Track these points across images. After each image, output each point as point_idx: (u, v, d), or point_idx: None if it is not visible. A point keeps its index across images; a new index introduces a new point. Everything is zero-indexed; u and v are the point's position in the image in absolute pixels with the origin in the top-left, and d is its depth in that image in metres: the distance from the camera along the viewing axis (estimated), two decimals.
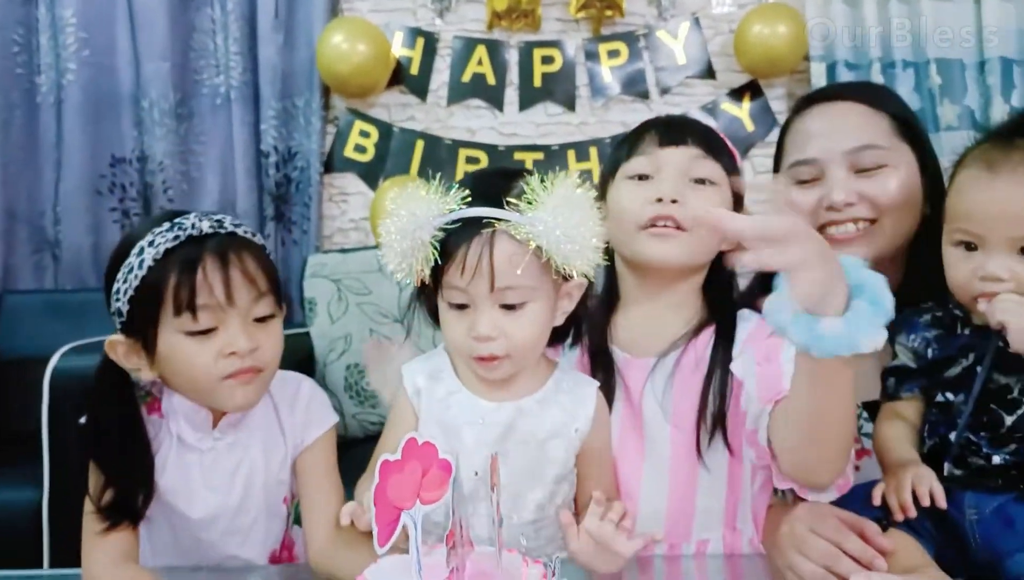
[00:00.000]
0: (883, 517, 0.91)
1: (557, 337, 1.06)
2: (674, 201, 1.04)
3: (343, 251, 2.55)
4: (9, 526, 1.80)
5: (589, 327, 1.12)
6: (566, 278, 0.97)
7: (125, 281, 0.98)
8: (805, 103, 1.26)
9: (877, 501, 0.92)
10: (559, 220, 0.91)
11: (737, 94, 2.79)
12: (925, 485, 0.90)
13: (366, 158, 2.80)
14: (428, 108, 2.81)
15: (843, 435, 0.90)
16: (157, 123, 2.70)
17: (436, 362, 1.06)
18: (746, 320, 1.09)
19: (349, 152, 2.80)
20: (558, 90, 2.80)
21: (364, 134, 2.81)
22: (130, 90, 2.71)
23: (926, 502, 0.89)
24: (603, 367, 1.10)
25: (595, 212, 0.95)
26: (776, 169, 1.28)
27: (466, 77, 2.80)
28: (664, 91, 2.80)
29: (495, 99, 2.81)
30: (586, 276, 0.96)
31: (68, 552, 1.77)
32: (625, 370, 1.10)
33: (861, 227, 1.19)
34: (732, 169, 1.09)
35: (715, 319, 1.10)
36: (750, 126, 2.78)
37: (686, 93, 2.81)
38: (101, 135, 2.73)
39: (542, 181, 0.94)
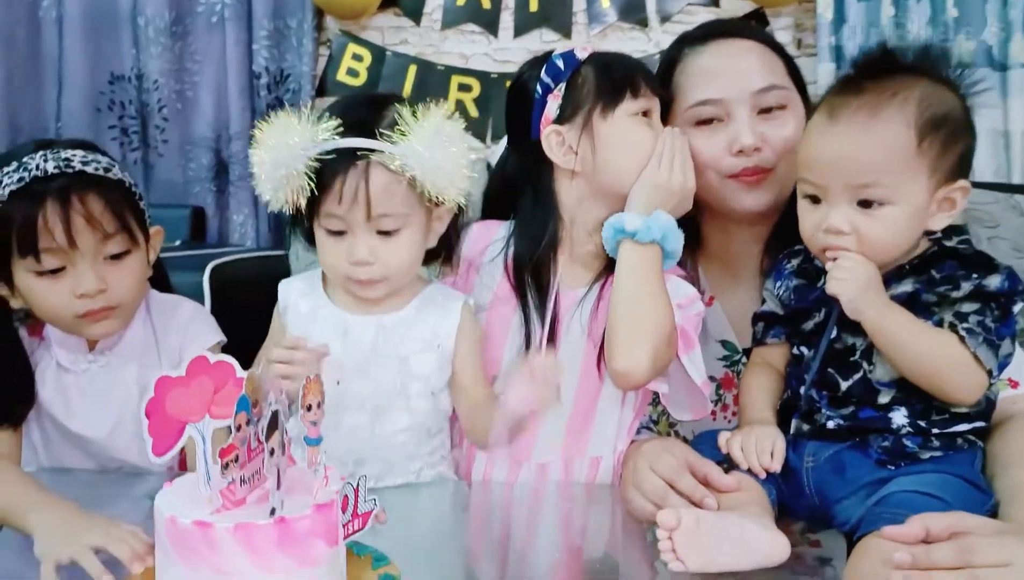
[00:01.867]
0: (726, 460, 0.92)
1: (429, 257, 1.09)
2: None
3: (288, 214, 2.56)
4: None
5: (535, 262, 1.11)
6: (438, 204, 1.01)
7: None
8: (696, 40, 1.17)
9: (724, 450, 0.92)
10: (431, 151, 0.95)
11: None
12: (763, 452, 0.89)
13: (358, 82, 2.79)
14: (422, 32, 2.77)
15: (647, 317, 1.01)
16: (152, 41, 2.72)
17: (310, 279, 1.11)
18: None
19: (342, 76, 2.79)
20: (554, 16, 2.73)
21: (357, 58, 2.79)
22: (128, 7, 2.73)
23: (757, 469, 0.89)
24: (539, 293, 1.10)
25: (464, 142, 0.98)
26: (665, 108, 1.16)
27: (461, 1, 2.75)
28: (665, 19, 2.70)
29: (490, 24, 2.75)
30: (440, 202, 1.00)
31: None
32: (559, 299, 1.11)
33: (760, 175, 1.11)
34: None
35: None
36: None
37: (687, 22, 2.69)
38: (100, 52, 2.76)
39: (413, 112, 0.96)
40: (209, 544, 0.67)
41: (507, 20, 2.73)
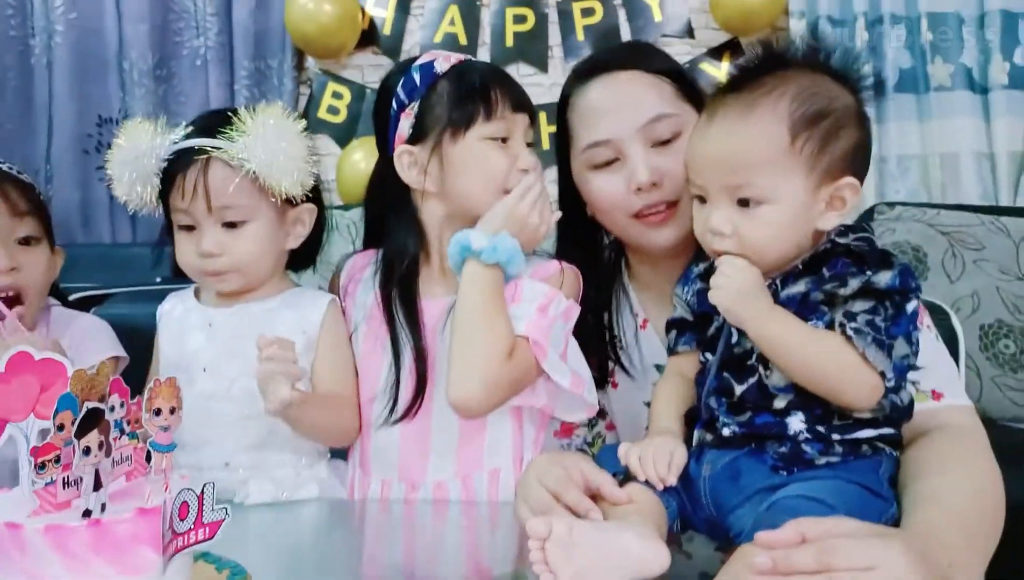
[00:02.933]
0: (624, 471, 0.87)
1: (298, 262, 1.14)
2: None
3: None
4: None
5: (400, 276, 1.11)
6: (293, 203, 1.06)
7: None
8: (583, 75, 1.10)
9: (623, 462, 0.87)
10: (267, 146, 1.01)
11: (716, 53, 2.68)
12: (661, 463, 0.84)
13: (339, 120, 2.82)
14: None
15: (480, 343, 0.99)
16: (137, 84, 2.78)
17: (183, 292, 1.17)
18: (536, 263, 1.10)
19: (322, 113, 2.83)
20: (530, 50, 2.75)
21: (337, 96, 2.82)
22: (115, 51, 2.80)
23: (655, 481, 0.84)
24: (405, 305, 1.09)
25: (300, 138, 1.04)
26: (562, 151, 1.13)
27: (438, 37, 2.78)
28: None
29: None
30: (316, 203, 1.10)
31: None
32: (428, 311, 1.09)
33: (663, 211, 1.06)
34: None
35: None
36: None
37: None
38: (88, 96, 2.83)
39: (250, 112, 1.03)
40: (20, 547, 0.63)
41: (484, 55, 2.75)
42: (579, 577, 0.75)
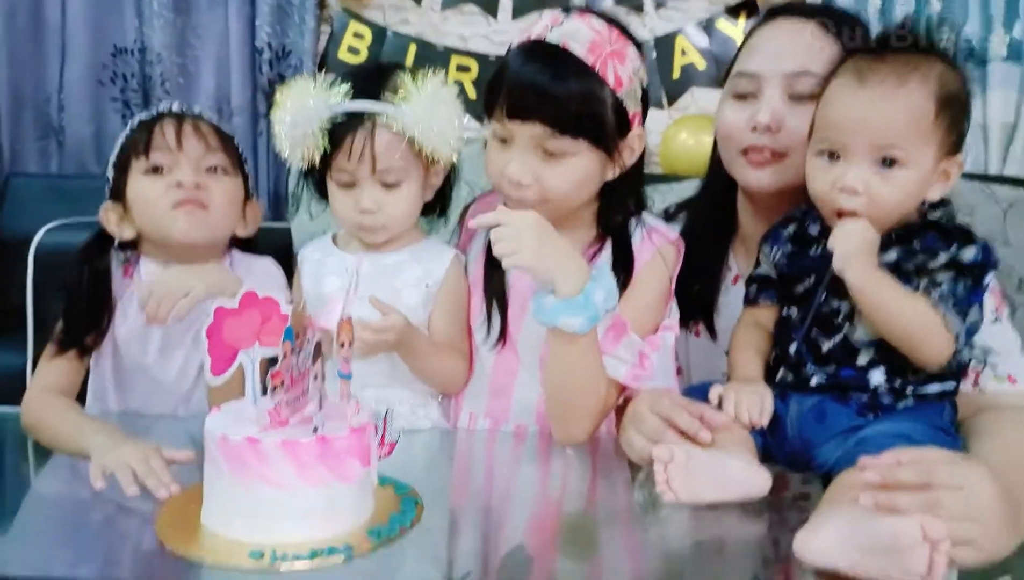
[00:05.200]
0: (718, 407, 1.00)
1: (426, 210, 1.22)
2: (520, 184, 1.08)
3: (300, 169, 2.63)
4: None
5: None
6: (434, 161, 1.14)
7: (113, 154, 1.25)
8: (769, 15, 1.21)
9: (714, 402, 0.99)
10: (428, 114, 1.08)
11: (734, 12, 2.76)
12: (753, 407, 0.97)
13: (359, 60, 2.84)
14: (422, 11, 2.83)
15: (582, 401, 1.07)
16: (156, 14, 2.75)
17: (322, 239, 1.25)
18: (640, 241, 1.15)
19: (343, 54, 2.84)
20: None
21: (358, 36, 2.84)
22: None
23: (746, 423, 0.96)
24: (497, 269, 1.15)
25: (458, 107, 1.11)
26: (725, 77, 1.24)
27: None
28: (659, 5, 2.78)
29: (489, 5, 2.81)
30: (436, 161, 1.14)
31: None
32: (514, 277, 1.17)
33: (768, 156, 1.16)
34: None
35: (607, 234, 1.16)
36: None
37: (681, 8, 2.79)
38: (103, 25, 2.79)
39: (413, 78, 1.09)
40: (259, 457, 0.74)
41: (506, 2, 2.80)
42: (695, 496, 0.89)
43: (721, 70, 3.02)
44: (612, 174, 1.11)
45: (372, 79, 1.13)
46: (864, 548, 0.73)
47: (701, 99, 2.77)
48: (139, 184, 1.20)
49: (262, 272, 1.28)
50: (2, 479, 1.12)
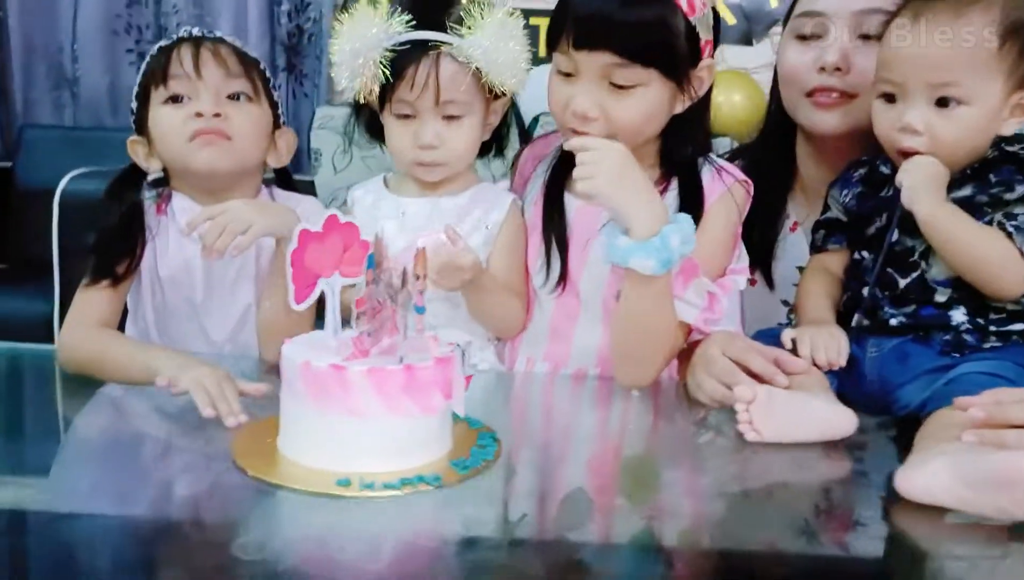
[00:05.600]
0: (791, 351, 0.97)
1: (482, 150, 1.18)
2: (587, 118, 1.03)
3: (351, 105, 2.57)
4: (25, 336, 1.95)
5: (549, 170, 1.17)
6: (496, 96, 1.10)
7: (136, 86, 1.17)
8: None
9: (787, 345, 0.96)
10: (495, 44, 1.04)
11: None
12: (829, 348, 0.94)
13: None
14: None
15: (652, 344, 1.03)
16: None
17: (373, 181, 1.20)
18: (709, 179, 1.10)
19: (363, 5, 2.78)
20: None
21: None
22: None
23: (823, 364, 0.93)
24: (556, 210, 1.14)
25: (524, 38, 1.08)
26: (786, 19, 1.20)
27: None
28: None
29: None
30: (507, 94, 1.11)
31: None
32: (576, 217, 1.14)
33: (836, 98, 1.12)
34: None
35: (674, 172, 1.12)
36: (775, 2, 2.69)
37: None
38: None
39: (479, 7, 1.05)
40: (343, 386, 0.71)
41: None
42: (779, 434, 0.86)
43: (753, 27, 3.01)
44: (680, 107, 1.07)
45: (435, 8, 1.09)
46: (973, 484, 0.70)
47: (731, 57, 2.72)
48: (159, 115, 1.14)
49: (309, 211, 1.22)
50: (41, 416, 1.09)
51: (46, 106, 2.80)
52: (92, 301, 1.14)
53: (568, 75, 1.04)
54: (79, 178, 1.92)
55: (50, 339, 1.99)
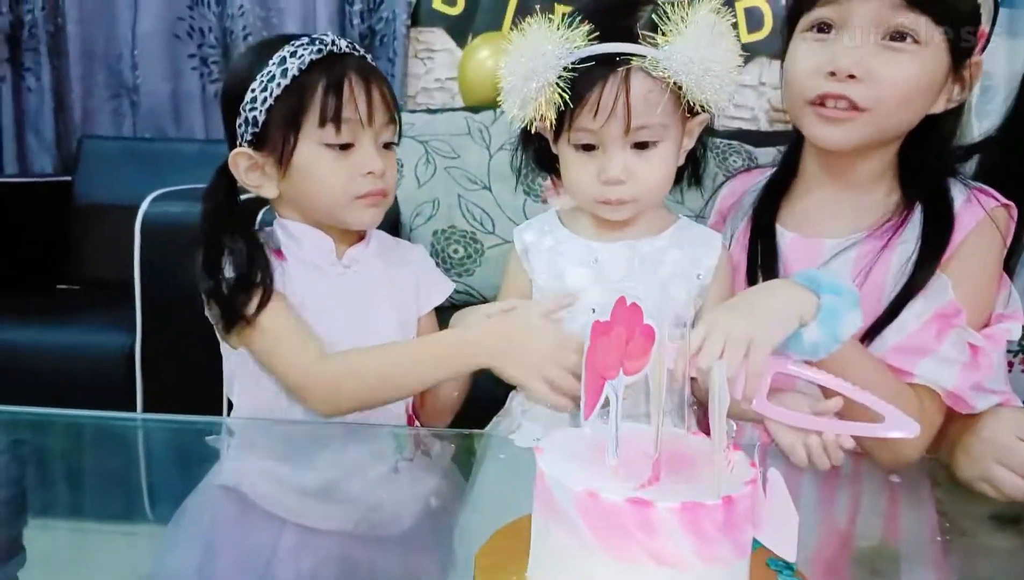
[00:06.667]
0: None
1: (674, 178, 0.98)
2: (851, 76, 0.88)
3: (430, 111, 2.40)
4: (103, 371, 1.80)
5: (757, 201, 1.02)
6: (693, 114, 0.91)
7: (264, 89, 0.95)
8: None
9: None
10: (699, 53, 0.84)
11: None
12: None
13: (455, 11, 2.61)
14: None
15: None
16: None
17: (543, 220, 1.02)
18: (963, 204, 0.93)
19: (437, 4, 2.61)
20: None
21: None
22: None
23: None
24: (766, 245, 0.98)
25: (735, 42, 0.87)
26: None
27: None
28: None
29: None
30: (707, 110, 0.90)
31: (159, 396, 1.78)
32: (791, 251, 0.98)
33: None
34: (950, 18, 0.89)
35: (916, 198, 0.95)
36: None
37: None
38: None
39: (677, 8, 0.86)
40: (646, 527, 0.54)
41: None
42: None
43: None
44: (944, 102, 0.91)
45: (620, 14, 0.89)
46: None
47: None
48: (318, 157, 0.96)
49: (421, 260, 1.10)
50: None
51: (105, 116, 2.66)
52: (286, 330, 0.96)
53: (825, 30, 0.89)
54: (160, 200, 1.76)
55: (130, 375, 1.85)
